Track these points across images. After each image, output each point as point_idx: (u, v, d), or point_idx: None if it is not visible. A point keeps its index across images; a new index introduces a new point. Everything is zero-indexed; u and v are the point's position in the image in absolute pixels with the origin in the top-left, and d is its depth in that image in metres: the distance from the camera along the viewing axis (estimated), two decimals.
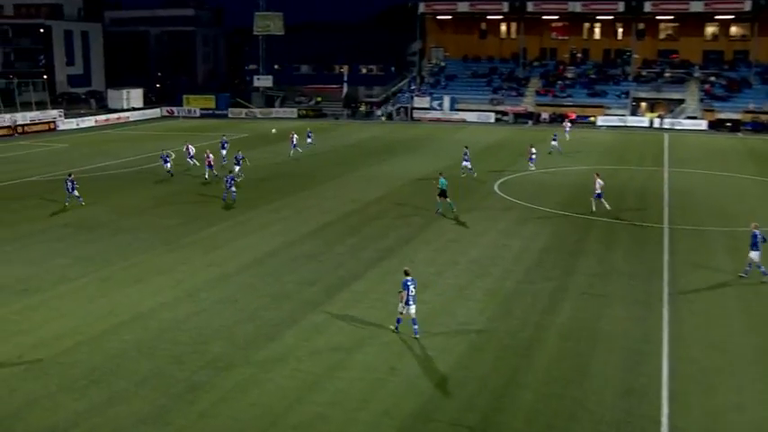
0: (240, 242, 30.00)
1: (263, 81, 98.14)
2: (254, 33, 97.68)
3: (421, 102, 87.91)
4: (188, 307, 22.26)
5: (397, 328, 20.10)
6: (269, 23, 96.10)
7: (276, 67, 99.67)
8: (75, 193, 37.12)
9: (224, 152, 50.20)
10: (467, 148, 46.54)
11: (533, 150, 48.33)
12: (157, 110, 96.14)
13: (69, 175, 37.74)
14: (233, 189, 37.25)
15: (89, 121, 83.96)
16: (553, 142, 56.35)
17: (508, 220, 33.88)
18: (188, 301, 22.75)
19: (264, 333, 20.24)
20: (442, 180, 35.15)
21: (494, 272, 25.93)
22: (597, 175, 35.66)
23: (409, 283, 19.66)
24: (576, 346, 19.49)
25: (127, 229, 32.25)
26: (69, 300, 23.01)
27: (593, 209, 34.97)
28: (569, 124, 67.10)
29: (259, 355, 18.85)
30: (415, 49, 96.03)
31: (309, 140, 58.37)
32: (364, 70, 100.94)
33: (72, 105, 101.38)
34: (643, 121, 79.58)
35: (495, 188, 41.84)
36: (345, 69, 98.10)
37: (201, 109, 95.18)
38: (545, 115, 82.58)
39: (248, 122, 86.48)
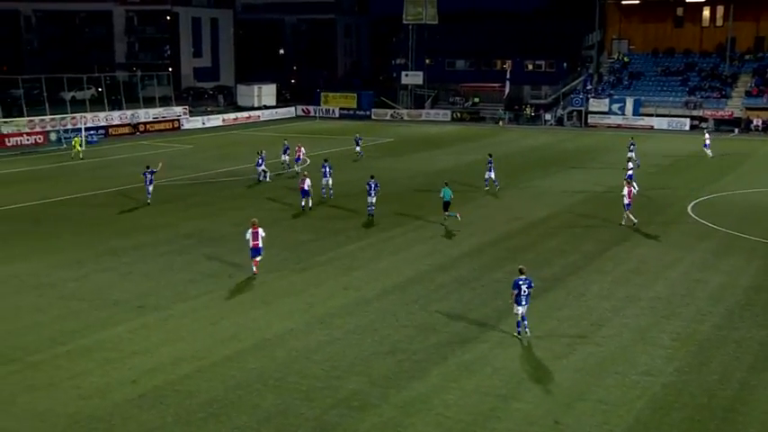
0: (381, 263, 30.51)
1: (413, 78, 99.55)
2: (404, 22, 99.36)
3: (598, 104, 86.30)
4: (320, 335, 22.83)
5: (519, 333, 22.39)
6: (421, 11, 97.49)
7: (428, 61, 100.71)
8: (150, 188, 41.61)
9: (285, 157, 52.92)
10: (491, 156, 46.33)
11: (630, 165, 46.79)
12: (292, 109, 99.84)
13: (148, 167, 42.21)
14: (373, 201, 37.84)
15: (216, 120, 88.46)
16: (630, 153, 53.63)
17: (704, 250, 32.58)
18: (320, 329, 23.33)
19: (406, 370, 20.42)
20: (445, 190, 36.30)
21: (685, 312, 24.96)
22: (627, 182, 36.87)
23: (521, 283, 22.04)
24: None
25: None
26: (189, 320, 24.18)
27: (623, 222, 36.28)
28: (708, 136, 61.90)
29: (400, 395, 19.03)
30: (593, 42, 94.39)
31: (358, 149, 57.45)
32: (531, 66, 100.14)
33: (198, 102, 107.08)
34: None
35: (689, 210, 40.35)
36: (508, 65, 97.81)
37: (341, 109, 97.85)
38: (757, 121, 78.83)
39: (394, 126, 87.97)
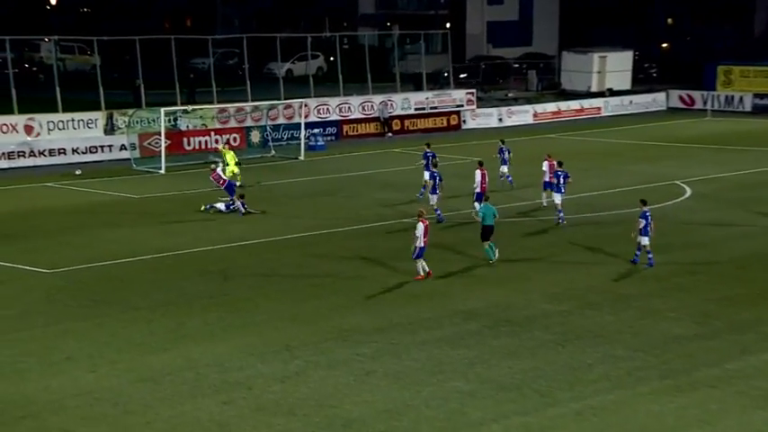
0: None
1: None
2: None
3: None
4: None
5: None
6: None
7: None
8: (427, 176, 49.02)
9: (505, 168, 57.59)
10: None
11: None
12: (660, 96, 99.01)
13: (428, 146, 53.56)
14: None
15: (523, 114, 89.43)
16: None
17: None
18: None
19: None
20: (486, 207, 41.95)
21: None
22: None
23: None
24: None
25: (584, 330, 33.27)
26: None
27: None
28: None
29: None
30: None
31: (505, 169, 57.51)
32: None
33: (491, 82, 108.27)
34: None
35: None
36: None
37: (756, 95, 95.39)
38: None
39: None
